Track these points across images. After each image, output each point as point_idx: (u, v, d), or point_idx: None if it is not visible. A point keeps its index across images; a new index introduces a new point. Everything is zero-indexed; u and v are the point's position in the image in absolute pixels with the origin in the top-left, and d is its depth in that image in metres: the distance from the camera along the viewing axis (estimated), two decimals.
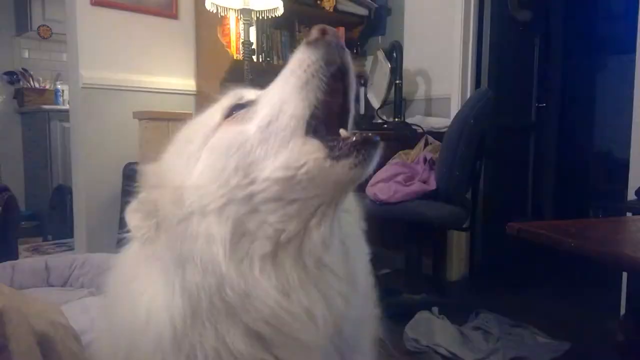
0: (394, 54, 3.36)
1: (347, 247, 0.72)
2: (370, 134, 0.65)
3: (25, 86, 5.10)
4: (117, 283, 0.75)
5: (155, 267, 0.68)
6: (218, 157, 0.67)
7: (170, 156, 0.75)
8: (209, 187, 0.65)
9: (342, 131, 0.66)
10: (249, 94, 0.75)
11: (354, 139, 0.64)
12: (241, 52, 2.99)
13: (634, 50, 2.58)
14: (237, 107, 0.72)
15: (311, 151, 0.63)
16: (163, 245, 0.68)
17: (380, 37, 3.88)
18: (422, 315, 2.45)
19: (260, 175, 0.64)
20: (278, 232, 0.64)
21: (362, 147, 0.63)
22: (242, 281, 0.63)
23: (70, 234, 3.50)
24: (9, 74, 5.13)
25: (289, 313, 0.63)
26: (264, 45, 3.40)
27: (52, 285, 1.58)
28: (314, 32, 0.68)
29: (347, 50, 0.68)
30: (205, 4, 2.82)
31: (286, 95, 0.67)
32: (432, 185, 2.53)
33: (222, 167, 0.65)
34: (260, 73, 3.20)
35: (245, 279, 0.63)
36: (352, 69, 0.69)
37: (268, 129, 0.66)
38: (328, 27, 0.68)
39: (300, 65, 0.67)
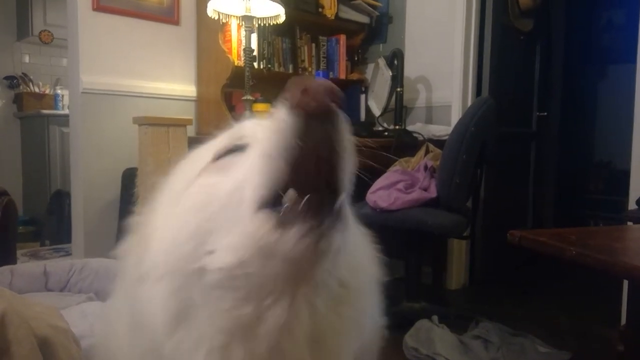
0: (395, 62, 3.37)
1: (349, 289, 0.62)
2: (332, 199, 0.54)
3: (24, 91, 5.10)
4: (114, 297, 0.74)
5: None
6: (185, 210, 0.59)
7: (159, 193, 0.68)
8: (165, 247, 0.58)
9: (290, 192, 0.53)
10: (252, 131, 0.63)
11: (304, 200, 0.52)
12: (242, 59, 2.99)
13: (634, 60, 2.59)
14: (229, 151, 0.62)
15: (260, 223, 0.53)
16: (124, 290, 0.66)
17: (381, 44, 3.88)
18: (422, 324, 2.44)
19: (215, 251, 0.55)
20: (231, 320, 0.55)
21: (321, 211, 0.52)
22: None
23: (67, 239, 3.48)
24: (9, 78, 5.13)
25: None
26: (265, 52, 3.40)
27: (51, 290, 1.57)
28: (293, 95, 0.53)
29: (338, 113, 0.53)
30: (207, 11, 2.82)
31: (250, 164, 0.56)
32: (433, 193, 2.52)
33: (183, 225, 0.58)
34: (261, 80, 3.21)
35: None
36: (345, 137, 0.55)
37: (232, 196, 0.56)
38: (312, 86, 0.52)
39: (270, 135, 0.54)
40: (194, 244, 0.56)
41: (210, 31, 3.18)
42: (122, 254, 0.68)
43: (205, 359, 0.55)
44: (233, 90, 3.26)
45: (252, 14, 2.80)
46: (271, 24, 2.96)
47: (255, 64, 3.26)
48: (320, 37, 3.74)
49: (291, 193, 0.53)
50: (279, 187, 0.53)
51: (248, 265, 0.54)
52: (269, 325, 0.55)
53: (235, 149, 0.61)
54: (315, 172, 0.53)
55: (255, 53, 3.19)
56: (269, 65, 3.42)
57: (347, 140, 0.55)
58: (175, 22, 3.24)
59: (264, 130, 0.56)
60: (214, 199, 0.57)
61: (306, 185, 0.53)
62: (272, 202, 0.53)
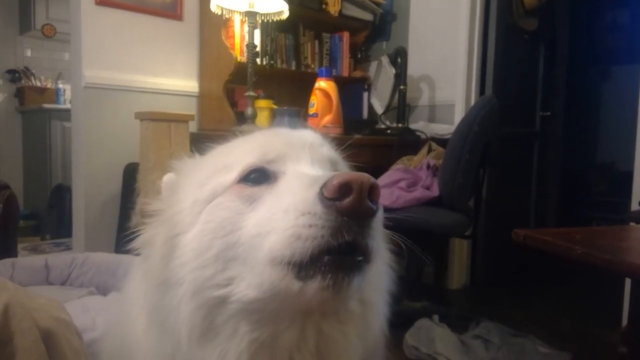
0: (399, 60, 3.36)
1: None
2: (350, 258, 0.56)
3: (26, 85, 5.09)
4: (126, 289, 0.74)
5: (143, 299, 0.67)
6: (210, 230, 0.61)
7: (184, 180, 0.69)
8: (191, 263, 0.61)
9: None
10: (281, 154, 0.65)
11: (326, 259, 0.55)
12: (245, 55, 2.98)
13: (639, 61, 2.58)
14: (252, 172, 0.63)
15: (283, 274, 0.56)
16: (146, 288, 0.66)
17: (384, 42, 3.87)
18: (422, 323, 2.43)
19: (235, 280, 0.59)
20: (250, 340, 0.60)
21: (338, 268, 0.55)
22: None
23: (68, 233, 3.47)
24: (11, 72, 5.12)
25: None
26: (268, 48, 3.39)
27: (52, 284, 1.57)
28: (335, 188, 0.54)
29: (376, 213, 0.56)
30: (210, 6, 2.81)
31: (281, 218, 0.57)
32: (435, 192, 2.51)
33: (207, 247, 0.60)
34: (263, 76, 3.20)
35: None
36: (378, 231, 0.59)
37: (257, 237, 0.58)
38: (355, 183, 0.54)
39: (308, 214, 0.55)
40: (216, 269, 0.59)
41: (213, 27, 3.17)
42: (141, 246, 0.68)
43: None
44: (235, 87, 3.25)
45: (256, 10, 2.79)
46: (274, 20, 2.95)
47: (258, 60, 3.25)
48: (324, 34, 3.73)
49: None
50: (304, 251, 0.55)
51: (267, 302, 0.58)
52: (283, 344, 0.61)
53: (262, 173, 0.63)
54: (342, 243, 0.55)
55: (258, 49, 3.18)
56: (272, 62, 3.41)
57: (379, 232, 0.59)
58: (178, 17, 3.23)
59: (306, 197, 0.56)
60: (238, 230, 0.60)
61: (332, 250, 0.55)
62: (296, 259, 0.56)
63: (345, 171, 0.66)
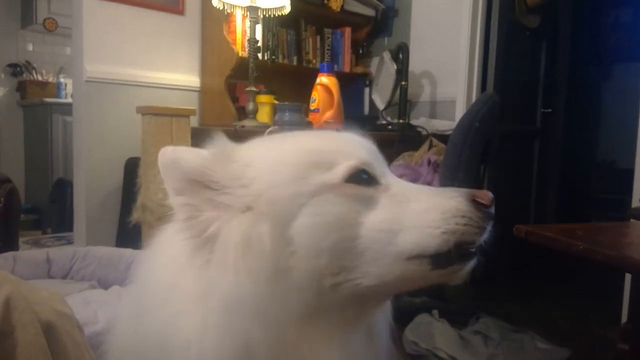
0: (400, 56, 3.35)
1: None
2: (471, 249, 0.70)
3: (28, 79, 5.09)
4: (153, 281, 0.69)
5: (203, 285, 0.64)
6: (325, 223, 0.65)
7: (272, 166, 0.69)
8: (305, 249, 0.64)
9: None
10: (368, 157, 0.72)
11: (461, 250, 0.68)
12: (247, 50, 2.98)
13: None
14: (361, 173, 0.69)
15: (418, 266, 0.67)
16: (218, 279, 0.63)
17: (386, 38, 3.87)
18: (422, 318, 2.43)
19: (351, 269, 0.65)
20: (346, 319, 0.68)
21: (465, 257, 0.69)
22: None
23: (69, 227, 3.48)
24: (12, 66, 5.12)
25: None
26: (270, 43, 3.39)
27: (53, 277, 1.57)
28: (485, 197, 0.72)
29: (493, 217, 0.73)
30: (212, 1, 2.81)
31: (418, 230, 0.67)
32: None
33: (322, 238, 0.64)
34: (265, 71, 3.20)
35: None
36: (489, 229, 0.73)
37: (383, 233, 0.66)
38: (486, 196, 0.72)
39: (463, 216, 0.69)
40: (330, 258, 0.64)
41: (214, 21, 3.17)
42: (206, 235, 0.65)
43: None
44: (237, 82, 3.25)
45: (257, 5, 2.79)
46: (276, 15, 2.95)
47: (260, 56, 3.25)
48: (326, 30, 3.73)
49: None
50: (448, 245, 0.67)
51: (380, 288, 0.67)
52: (365, 320, 0.72)
53: (369, 176, 0.69)
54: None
55: (259, 44, 3.18)
56: (274, 57, 3.41)
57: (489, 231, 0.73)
58: (180, 12, 3.23)
59: (452, 197, 0.70)
60: (356, 226, 0.66)
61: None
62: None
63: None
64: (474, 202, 0.70)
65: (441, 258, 0.67)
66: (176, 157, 0.66)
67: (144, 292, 0.69)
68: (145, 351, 0.66)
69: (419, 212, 0.68)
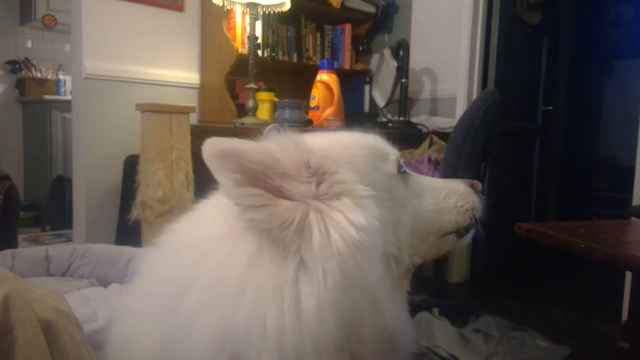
0: (401, 53, 3.34)
1: None
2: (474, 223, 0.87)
3: (27, 76, 5.07)
4: (216, 277, 0.64)
5: (290, 273, 0.62)
6: (393, 205, 0.76)
7: (347, 157, 0.72)
8: (405, 234, 0.78)
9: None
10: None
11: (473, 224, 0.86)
12: (246, 47, 2.96)
13: None
14: (401, 165, 0.81)
15: (451, 240, 0.86)
16: (324, 271, 0.61)
17: (387, 35, 3.86)
18: (422, 316, 2.43)
19: (410, 247, 0.79)
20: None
21: (469, 228, 0.86)
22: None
23: (68, 225, 3.48)
24: (11, 63, 5.11)
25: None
26: (270, 40, 3.38)
27: (52, 275, 1.56)
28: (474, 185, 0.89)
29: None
30: None
31: (450, 210, 0.85)
32: None
33: (394, 219, 0.75)
34: (265, 68, 3.18)
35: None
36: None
37: (431, 212, 0.82)
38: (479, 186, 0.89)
39: (474, 200, 0.86)
40: (408, 240, 0.78)
41: (214, 18, 3.15)
42: (292, 226, 0.63)
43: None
44: (236, 79, 3.24)
45: (257, 1, 2.78)
46: (276, 11, 2.94)
47: (260, 52, 3.24)
48: (326, 26, 3.71)
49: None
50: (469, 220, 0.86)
51: (422, 261, 0.82)
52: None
53: (403, 168, 0.81)
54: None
55: (259, 41, 3.17)
56: (273, 54, 3.40)
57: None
58: (179, 8, 3.21)
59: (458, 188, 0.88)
60: (413, 209, 0.80)
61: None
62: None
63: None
64: (472, 188, 0.87)
65: (461, 231, 0.84)
66: (233, 148, 0.61)
67: (211, 289, 0.64)
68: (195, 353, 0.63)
69: (445, 196, 0.84)
